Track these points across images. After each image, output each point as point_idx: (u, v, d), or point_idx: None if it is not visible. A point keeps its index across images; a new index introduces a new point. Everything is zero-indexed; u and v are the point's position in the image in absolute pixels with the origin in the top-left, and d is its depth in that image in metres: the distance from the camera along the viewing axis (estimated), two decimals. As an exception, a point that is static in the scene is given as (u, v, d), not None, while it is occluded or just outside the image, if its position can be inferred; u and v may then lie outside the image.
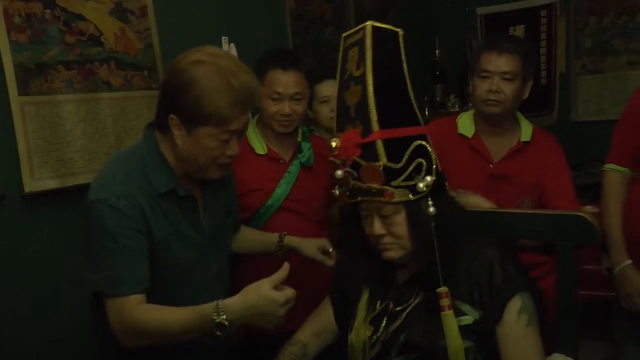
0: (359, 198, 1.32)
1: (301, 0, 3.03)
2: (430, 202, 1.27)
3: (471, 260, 1.32)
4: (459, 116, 2.08)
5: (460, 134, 2.01)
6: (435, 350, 1.27)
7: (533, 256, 1.79)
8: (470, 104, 2.85)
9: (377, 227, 1.32)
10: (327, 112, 2.38)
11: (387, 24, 1.33)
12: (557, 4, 3.82)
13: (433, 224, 1.27)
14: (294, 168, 1.99)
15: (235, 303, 1.25)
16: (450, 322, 1.26)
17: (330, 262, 1.71)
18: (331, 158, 1.33)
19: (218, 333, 1.23)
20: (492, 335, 1.29)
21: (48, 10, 1.87)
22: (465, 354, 1.26)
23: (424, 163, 1.27)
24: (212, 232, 1.49)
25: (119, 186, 1.32)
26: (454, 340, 1.25)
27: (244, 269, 1.86)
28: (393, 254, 1.34)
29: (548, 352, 1.37)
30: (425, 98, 3.96)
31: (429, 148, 1.29)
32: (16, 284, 1.81)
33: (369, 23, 1.31)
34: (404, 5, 3.90)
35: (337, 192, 1.36)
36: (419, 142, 1.28)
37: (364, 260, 1.42)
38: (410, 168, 1.27)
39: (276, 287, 1.25)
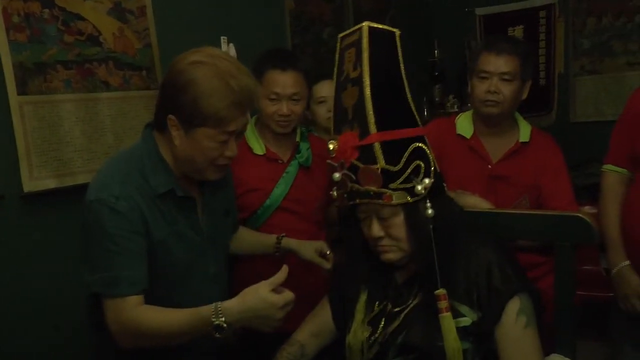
0: (357, 200, 1.32)
1: (300, 1, 3.02)
2: (428, 204, 1.27)
3: (470, 262, 1.32)
4: (457, 117, 2.08)
5: (459, 135, 2.01)
6: (434, 351, 1.27)
7: (531, 257, 1.79)
8: (469, 105, 2.84)
9: (376, 230, 1.32)
10: (324, 113, 2.38)
11: (386, 24, 1.33)
12: (555, 5, 3.82)
13: (431, 226, 1.27)
14: (292, 168, 1.98)
15: (233, 305, 1.25)
16: (449, 324, 1.25)
17: (327, 265, 1.70)
18: (329, 160, 1.33)
19: (217, 335, 1.23)
20: (490, 336, 1.29)
21: (47, 10, 1.87)
22: (463, 355, 1.26)
23: (422, 165, 1.27)
24: (210, 233, 1.48)
25: (118, 187, 1.32)
26: (452, 343, 1.25)
27: (243, 270, 1.86)
28: (392, 255, 1.34)
29: (546, 352, 1.38)
30: (424, 98, 3.96)
31: (427, 150, 1.29)
32: (15, 284, 1.81)
33: (365, 24, 1.31)
34: (403, 6, 3.90)
35: (335, 193, 1.36)
36: (417, 144, 1.28)
37: (363, 261, 1.42)
38: (409, 170, 1.26)
39: (275, 290, 1.25)
